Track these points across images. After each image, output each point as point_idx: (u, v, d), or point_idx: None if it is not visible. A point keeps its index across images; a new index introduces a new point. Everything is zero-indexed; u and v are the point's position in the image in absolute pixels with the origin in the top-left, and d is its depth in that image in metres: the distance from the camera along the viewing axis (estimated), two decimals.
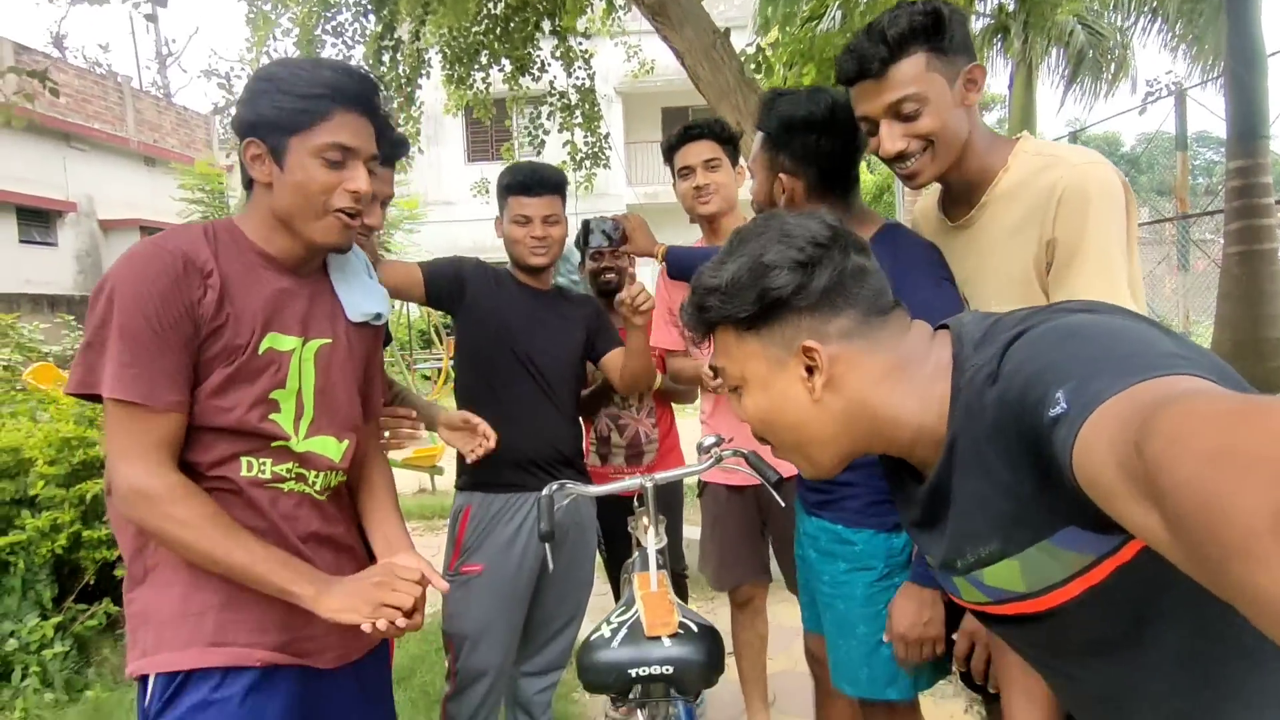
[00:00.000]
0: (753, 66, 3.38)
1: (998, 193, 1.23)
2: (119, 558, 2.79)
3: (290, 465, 1.11)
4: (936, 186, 1.40)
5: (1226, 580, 0.38)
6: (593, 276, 2.43)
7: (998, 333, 0.71)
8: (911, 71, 1.16)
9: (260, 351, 1.07)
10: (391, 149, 1.51)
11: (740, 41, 3.43)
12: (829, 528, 1.42)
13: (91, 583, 2.82)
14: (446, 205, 14.91)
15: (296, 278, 1.14)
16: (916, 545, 0.92)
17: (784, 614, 3.05)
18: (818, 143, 1.38)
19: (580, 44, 5.64)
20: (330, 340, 1.16)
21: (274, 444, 1.09)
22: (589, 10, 5.41)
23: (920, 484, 0.81)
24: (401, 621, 1.03)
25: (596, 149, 5.86)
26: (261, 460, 1.08)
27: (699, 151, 1.96)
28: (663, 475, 1.63)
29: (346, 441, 1.18)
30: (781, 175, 1.42)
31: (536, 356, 1.83)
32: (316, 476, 1.15)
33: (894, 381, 0.79)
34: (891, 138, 1.20)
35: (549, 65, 5.67)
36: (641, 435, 2.40)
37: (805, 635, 1.69)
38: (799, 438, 0.85)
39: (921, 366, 0.78)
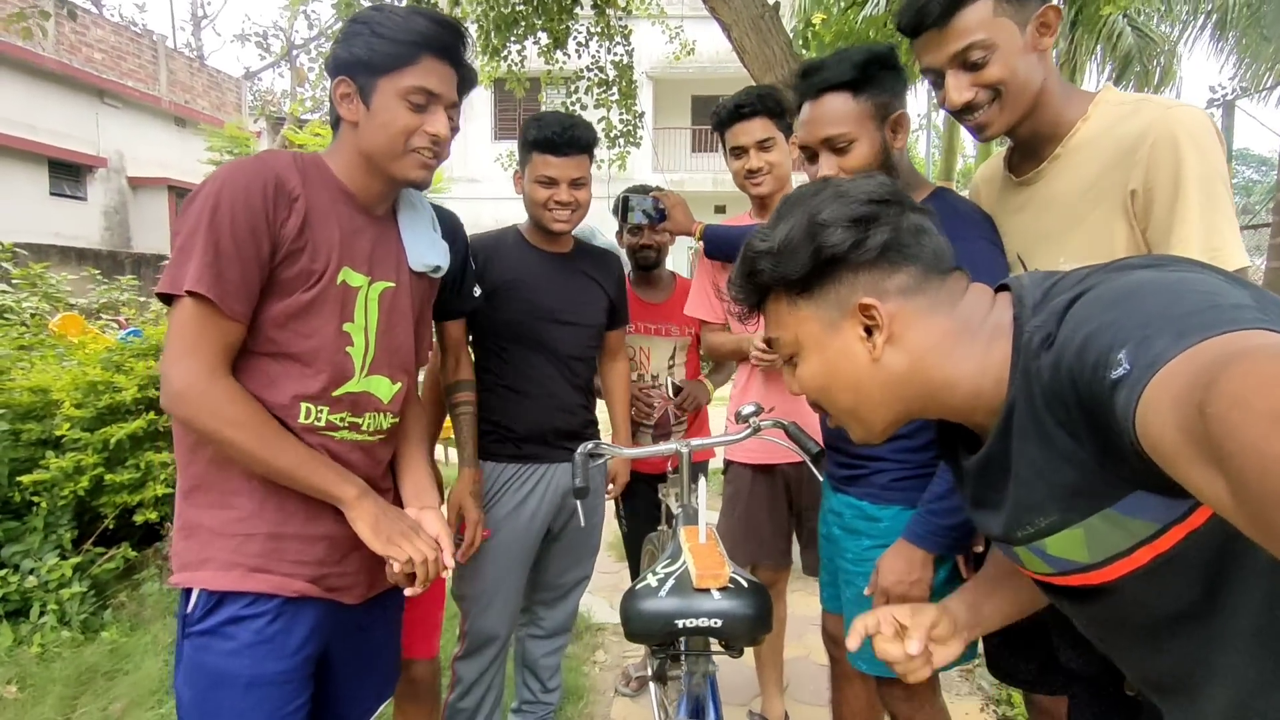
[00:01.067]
0: (800, 43, 3.31)
1: (1073, 145, 1.16)
2: (139, 504, 2.81)
3: (344, 414, 1.15)
4: (998, 157, 1.35)
5: None
6: (630, 251, 2.41)
7: (1056, 294, 0.69)
8: (977, 17, 1.10)
9: (337, 282, 1.12)
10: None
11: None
12: (855, 504, 1.40)
13: (111, 527, 2.84)
14: (471, 182, 14.88)
15: (369, 217, 1.18)
16: (974, 519, 0.88)
17: (798, 603, 3.02)
18: (904, 73, 1.31)
19: (620, 19, 5.57)
20: (394, 285, 1.21)
21: (334, 392, 1.13)
22: None
23: (976, 453, 0.78)
24: (408, 589, 1.11)
25: (631, 127, 5.80)
26: (319, 408, 1.12)
27: (751, 131, 1.86)
28: (699, 442, 1.60)
29: (399, 384, 1.23)
30: (906, 113, 1.32)
31: (554, 330, 1.78)
32: (368, 421, 1.19)
33: (952, 343, 0.76)
34: (958, 88, 1.14)
35: (587, 41, 5.61)
36: (670, 415, 2.38)
37: (824, 616, 1.65)
38: (856, 400, 0.83)
39: (980, 329, 0.76)
